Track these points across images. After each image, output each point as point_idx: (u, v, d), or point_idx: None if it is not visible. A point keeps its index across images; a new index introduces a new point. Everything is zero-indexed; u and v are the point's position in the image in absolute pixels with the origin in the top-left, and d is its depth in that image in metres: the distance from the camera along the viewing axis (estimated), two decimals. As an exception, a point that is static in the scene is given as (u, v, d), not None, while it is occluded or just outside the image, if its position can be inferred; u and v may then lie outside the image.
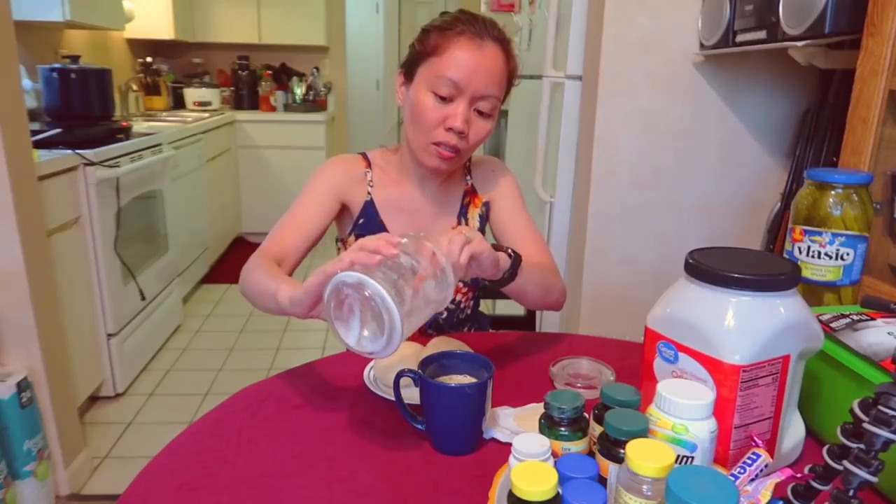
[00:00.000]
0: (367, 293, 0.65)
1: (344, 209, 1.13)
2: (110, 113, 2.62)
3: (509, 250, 0.91)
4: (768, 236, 1.79)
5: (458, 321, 1.18)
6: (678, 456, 0.59)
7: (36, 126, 2.16)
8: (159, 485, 0.68)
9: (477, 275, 0.84)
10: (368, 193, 1.12)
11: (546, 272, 1.05)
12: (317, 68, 4.72)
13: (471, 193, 1.17)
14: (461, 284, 1.13)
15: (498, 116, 1.07)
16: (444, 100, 0.99)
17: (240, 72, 4.47)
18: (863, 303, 0.62)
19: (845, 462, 0.50)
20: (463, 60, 0.98)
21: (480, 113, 1.02)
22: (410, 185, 1.14)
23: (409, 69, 1.05)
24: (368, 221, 1.11)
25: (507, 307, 1.62)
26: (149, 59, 4.11)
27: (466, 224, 1.16)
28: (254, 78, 4.50)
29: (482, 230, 1.16)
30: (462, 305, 1.17)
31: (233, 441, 0.75)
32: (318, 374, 0.93)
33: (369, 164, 1.14)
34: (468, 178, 1.18)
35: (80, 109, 2.50)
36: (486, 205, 1.16)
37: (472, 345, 0.90)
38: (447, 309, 1.14)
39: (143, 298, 2.54)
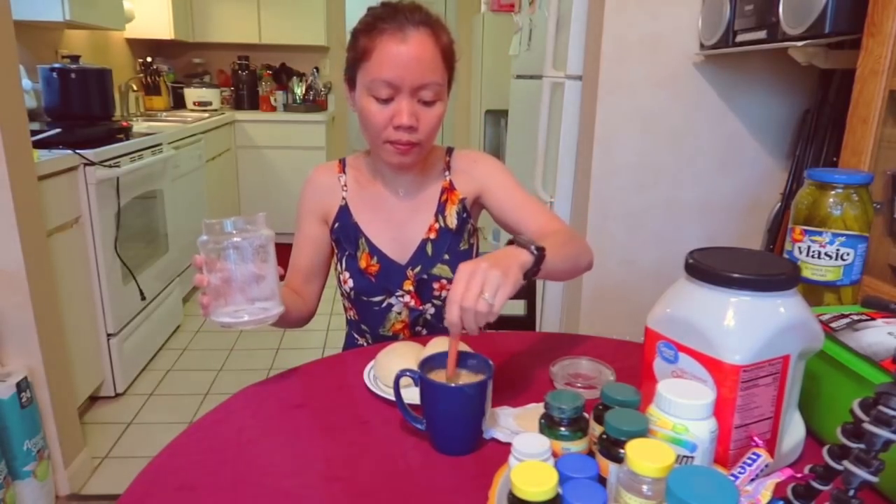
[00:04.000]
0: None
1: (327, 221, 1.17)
2: (110, 113, 2.62)
3: (532, 247, 0.83)
4: (768, 236, 1.79)
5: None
6: (678, 456, 0.59)
7: (36, 126, 2.16)
8: (159, 485, 0.68)
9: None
10: (343, 199, 1.14)
11: (568, 244, 0.98)
12: (317, 68, 4.72)
13: (449, 190, 1.15)
14: (444, 281, 1.12)
15: (449, 87, 1.06)
16: (385, 101, 1.00)
17: (240, 72, 4.47)
18: (863, 303, 0.62)
19: (845, 462, 0.50)
20: (390, 59, 0.97)
21: (426, 102, 1.01)
22: (384, 183, 1.15)
23: (349, 76, 1.06)
24: (343, 225, 1.13)
25: (506, 307, 1.61)
26: (149, 59, 4.11)
27: (444, 222, 1.13)
28: (254, 78, 4.50)
29: (462, 227, 1.14)
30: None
31: (233, 441, 0.75)
32: (318, 374, 0.93)
33: (343, 169, 1.16)
34: (447, 173, 1.16)
35: (80, 109, 2.50)
36: (464, 201, 1.15)
37: (472, 345, 0.90)
38: (433, 305, 1.14)
39: (143, 298, 2.54)
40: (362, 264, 1.11)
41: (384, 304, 1.13)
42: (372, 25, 1.00)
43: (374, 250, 1.11)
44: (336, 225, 1.13)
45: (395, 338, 1.15)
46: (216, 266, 0.83)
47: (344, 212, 1.13)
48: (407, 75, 0.98)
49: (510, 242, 0.87)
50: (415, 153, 1.05)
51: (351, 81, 1.06)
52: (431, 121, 1.03)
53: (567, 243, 0.98)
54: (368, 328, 1.17)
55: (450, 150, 1.19)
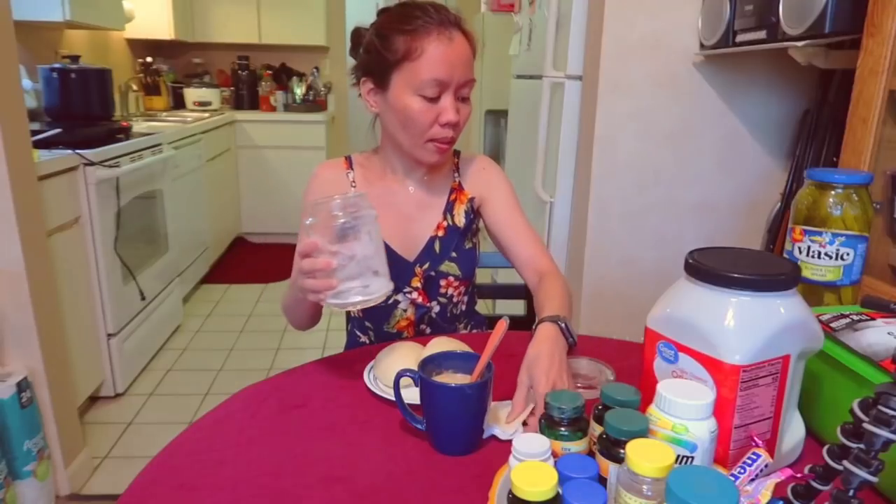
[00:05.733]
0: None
1: None
2: (110, 113, 2.62)
3: (562, 324, 0.90)
4: (768, 236, 1.79)
5: (451, 316, 1.18)
6: (678, 456, 0.59)
7: (36, 126, 2.16)
8: (159, 485, 0.68)
9: None
10: None
11: (566, 296, 1.04)
12: (317, 68, 4.72)
13: (458, 190, 1.17)
14: (451, 278, 1.14)
15: None
16: (431, 100, 1.01)
17: (240, 72, 4.47)
18: (863, 303, 0.62)
19: (845, 462, 0.50)
20: (441, 59, 0.99)
21: (463, 99, 1.05)
22: (395, 180, 1.15)
23: (379, 76, 1.04)
24: None
25: (506, 307, 1.62)
26: (149, 59, 4.11)
27: (453, 220, 1.15)
28: (254, 78, 4.50)
29: (469, 226, 1.16)
30: (455, 300, 1.17)
31: (233, 441, 0.75)
32: (318, 374, 0.93)
33: (350, 166, 1.16)
34: (456, 174, 1.18)
35: (80, 109, 2.50)
36: (472, 200, 1.17)
37: (471, 345, 0.90)
38: (439, 303, 1.15)
39: (143, 298, 2.54)
40: None
41: (390, 301, 1.13)
42: (411, 23, 1.00)
43: None
44: None
45: (398, 335, 1.15)
46: (344, 246, 0.82)
47: None
48: (455, 74, 1.00)
49: (541, 320, 0.93)
50: (450, 149, 1.08)
51: (380, 81, 1.04)
52: (467, 117, 1.06)
53: (566, 295, 1.03)
54: (372, 325, 1.17)
55: (456, 153, 1.20)
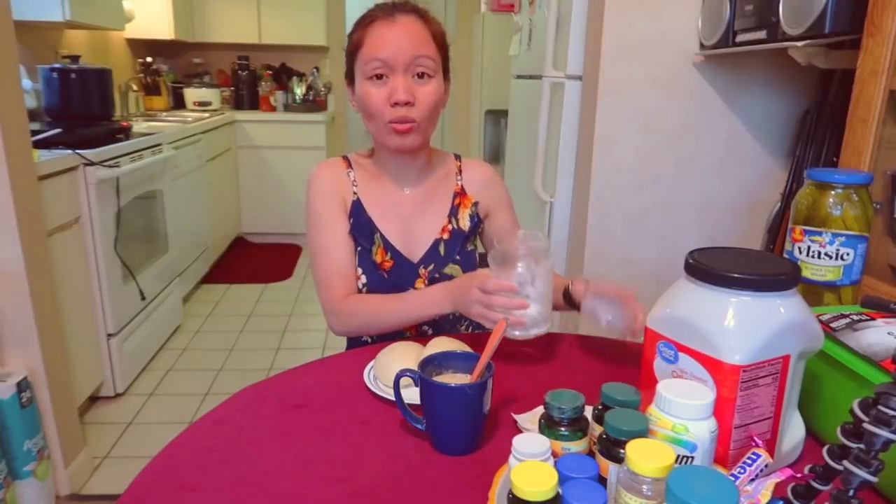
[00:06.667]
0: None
1: None
2: (110, 113, 2.62)
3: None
4: (768, 236, 1.79)
5: (453, 317, 1.18)
6: (678, 456, 0.59)
7: (36, 126, 2.16)
8: (159, 485, 0.68)
9: None
10: (354, 193, 1.14)
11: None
12: (317, 68, 4.72)
13: (461, 194, 1.18)
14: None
15: (446, 77, 1.10)
16: (381, 81, 1.03)
17: (240, 72, 4.47)
18: (863, 303, 0.62)
19: (845, 462, 0.50)
20: (382, 39, 1.03)
21: (421, 76, 1.05)
22: (391, 180, 1.16)
23: (348, 74, 1.11)
24: (357, 220, 1.13)
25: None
26: (149, 59, 4.11)
27: (458, 224, 1.16)
28: (254, 78, 4.50)
29: (474, 230, 1.17)
30: None
31: (233, 441, 0.75)
32: (318, 374, 0.93)
33: (350, 165, 1.17)
34: (458, 178, 1.19)
35: (80, 109, 2.50)
36: (476, 206, 1.17)
37: (471, 345, 0.90)
38: None
39: (143, 298, 2.54)
40: (377, 259, 1.12)
41: None
42: (365, 18, 1.06)
43: (388, 246, 1.12)
44: (351, 220, 1.13)
45: (401, 335, 1.15)
46: (529, 288, 0.90)
47: (357, 206, 1.13)
48: (399, 52, 1.02)
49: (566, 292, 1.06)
50: (415, 132, 1.06)
51: (350, 78, 1.10)
52: (428, 97, 1.05)
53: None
54: None
55: (458, 157, 1.22)
